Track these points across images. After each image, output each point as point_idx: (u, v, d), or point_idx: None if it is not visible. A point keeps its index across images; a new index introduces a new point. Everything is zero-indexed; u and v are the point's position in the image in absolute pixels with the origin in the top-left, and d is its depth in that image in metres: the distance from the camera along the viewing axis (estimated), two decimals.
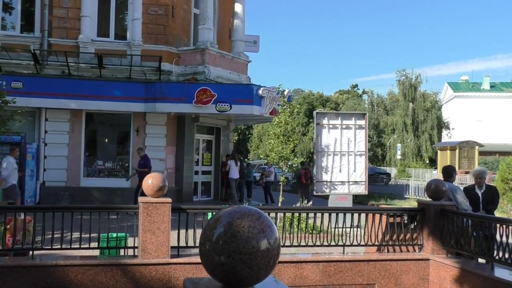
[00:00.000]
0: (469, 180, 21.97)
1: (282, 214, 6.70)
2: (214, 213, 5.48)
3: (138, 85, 15.11)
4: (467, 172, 26.89)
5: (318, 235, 6.55)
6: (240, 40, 17.91)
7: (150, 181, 5.67)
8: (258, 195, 20.70)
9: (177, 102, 14.79)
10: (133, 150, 15.56)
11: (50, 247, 5.71)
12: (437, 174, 29.43)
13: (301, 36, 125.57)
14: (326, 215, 6.70)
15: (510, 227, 5.34)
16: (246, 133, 61.12)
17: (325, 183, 12.13)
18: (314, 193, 12.54)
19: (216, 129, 17.82)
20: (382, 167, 43.62)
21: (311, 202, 12.68)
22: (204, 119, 16.51)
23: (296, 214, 7.03)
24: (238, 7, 17.87)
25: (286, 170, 13.27)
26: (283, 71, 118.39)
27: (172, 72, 15.77)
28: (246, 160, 49.53)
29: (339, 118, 12.44)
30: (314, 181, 12.48)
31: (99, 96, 14.61)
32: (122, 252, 6.01)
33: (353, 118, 12.48)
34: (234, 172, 16.49)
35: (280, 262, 6.09)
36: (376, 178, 30.57)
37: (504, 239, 5.34)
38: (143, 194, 12.76)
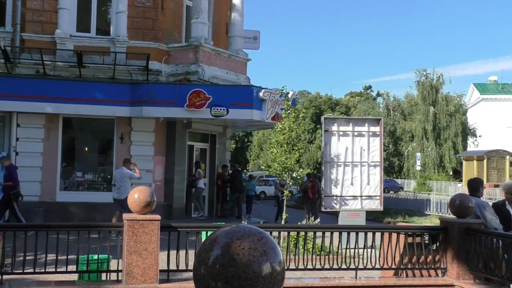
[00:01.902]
0: (499, 195, 21.92)
1: (286, 233, 6.70)
2: (209, 232, 5.40)
3: (122, 87, 15.15)
4: (496, 186, 26.87)
5: (327, 257, 6.53)
6: (238, 36, 17.98)
7: (137, 196, 5.66)
8: (258, 211, 20.66)
9: (166, 106, 14.83)
10: (117, 160, 15.56)
11: (21, 271, 5.69)
12: (462, 187, 29.42)
13: (307, 32, 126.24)
14: (336, 234, 6.68)
15: None
16: (245, 141, 61.22)
17: (334, 197, 12.12)
18: (322, 209, 12.53)
19: (211, 136, 17.86)
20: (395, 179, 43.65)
21: (318, 220, 12.67)
22: (198, 125, 16.54)
23: (302, 233, 7.01)
24: None
25: (291, 183, 13.28)
26: (287, 71, 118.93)
27: (161, 71, 15.82)
28: (245, 171, 49.48)
29: (351, 124, 12.48)
30: (322, 195, 12.48)
31: (79, 99, 14.64)
32: (104, 276, 5.99)
33: (366, 124, 12.52)
34: (202, 182, 16.70)
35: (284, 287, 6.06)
36: None
37: None
38: (11, 210, 12.62)
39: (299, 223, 12.38)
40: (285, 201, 13.03)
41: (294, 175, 13.57)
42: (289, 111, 13.42)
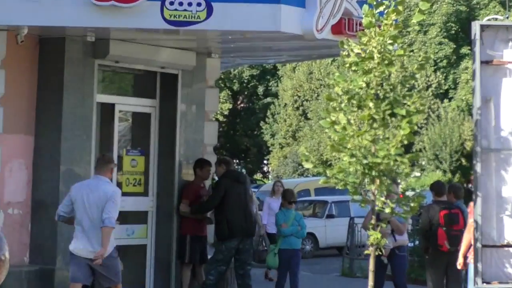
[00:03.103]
0: None
1: None
2: None
3: None
4: None
5: None
6: None
7: None
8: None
9: None
10: None
11: None
12: None
13: None
14: None
15: None
16: (257, 94, 61.37)
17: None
18: (477, 283, 12.73)
19: (163, 82, 18.39)
20: None
21: None
22: (127, 47, 17.08)
23: None
24: None
25: (390, 211, 13.39)
26: None
27: None
28: (258, 178, 49.23)
29: None
30: (478, 243, 12.66)
31: None
32: None
33: None
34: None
35: None
36: None
37: None
38: None
39: None
40: (373, 258, 13.28)
41: (399, 187, 13.69)
42: (381, 9, 13.44)
